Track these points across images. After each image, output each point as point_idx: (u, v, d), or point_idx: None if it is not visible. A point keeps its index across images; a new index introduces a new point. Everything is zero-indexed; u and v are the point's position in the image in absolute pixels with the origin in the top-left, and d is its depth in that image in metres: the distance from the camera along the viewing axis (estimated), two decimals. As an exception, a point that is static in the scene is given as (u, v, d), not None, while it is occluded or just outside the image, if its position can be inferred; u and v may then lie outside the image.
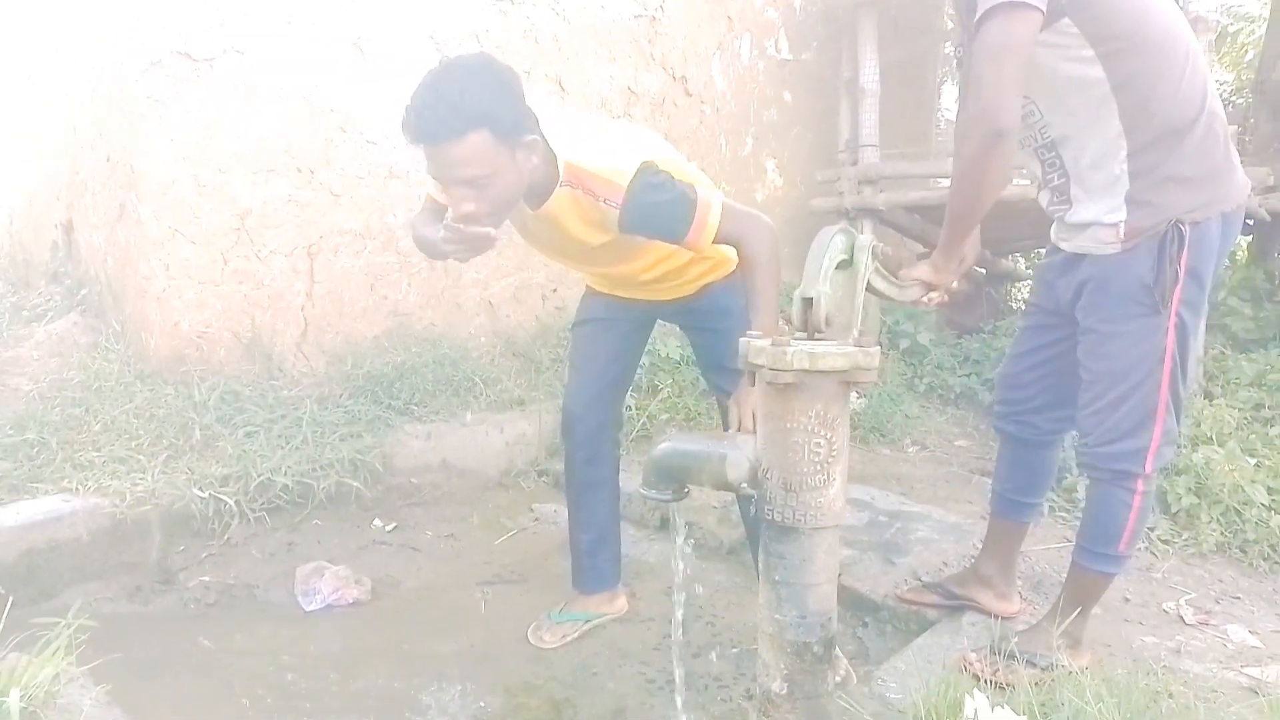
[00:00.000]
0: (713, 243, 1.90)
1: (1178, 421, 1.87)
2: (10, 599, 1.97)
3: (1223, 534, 2.77)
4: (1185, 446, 2.98)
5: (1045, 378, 2.05)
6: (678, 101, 4.57)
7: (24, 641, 1.65)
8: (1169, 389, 1.80)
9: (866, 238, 1.59)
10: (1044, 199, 1.95)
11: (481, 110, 1.68)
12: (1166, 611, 2.37)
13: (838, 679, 1.59)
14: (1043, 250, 5.69)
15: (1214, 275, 1.81)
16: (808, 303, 1.49)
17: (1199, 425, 3.13)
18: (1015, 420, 2.13)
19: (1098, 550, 1.92)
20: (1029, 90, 1.81)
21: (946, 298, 1.91)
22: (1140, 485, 1.85)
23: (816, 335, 1.51)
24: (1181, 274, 1.73)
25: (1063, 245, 1.93)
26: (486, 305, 4.01)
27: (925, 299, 1.87)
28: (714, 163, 4.80)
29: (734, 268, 2.12)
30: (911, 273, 1.84)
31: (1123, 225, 1.76)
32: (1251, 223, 4.14)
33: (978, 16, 1.62)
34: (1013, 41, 1.59)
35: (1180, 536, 2.78)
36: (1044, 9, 1.60)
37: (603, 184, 1.84)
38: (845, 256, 1.56)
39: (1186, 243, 1.71)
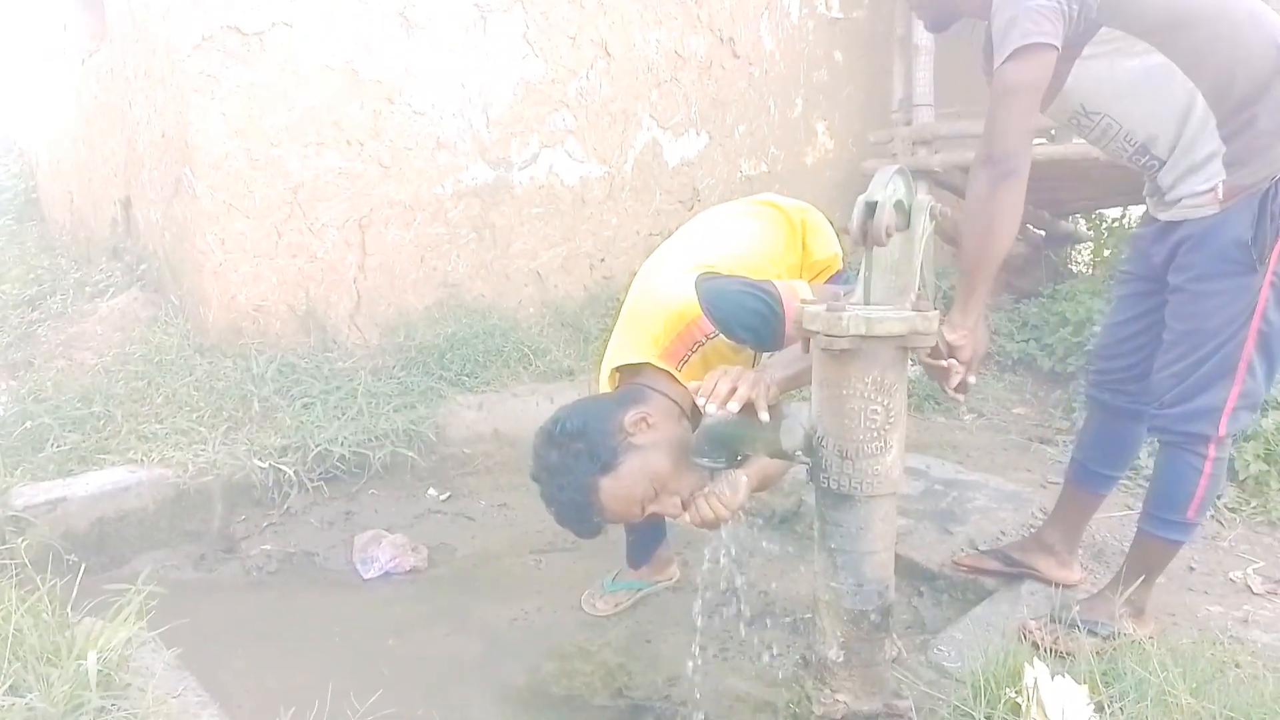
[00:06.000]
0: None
1: (1266, 386, 1.79)
2: (83, 566, 2.05)
3: (1293, 502, 2.68)
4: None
5: (1144, 346, 1.96)
6: (725, 64, 4.49)
7: (97, 607, 1.71)
8: (1256, 348, 1.72)
9: (924, 197, 1.55)
10: (1146, 190, 1.90)
11: (581, 484, 1.66)
12: (1233, 580, 2.31)
13: (892, 655, 1.58)
14: (1103, 211, 5.51)
15: None
16: (870, 209, 1.43)
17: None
18: (1111, 389, 2.07)
19: (1165, 517, 1.86)
20: (1095, 106, 1.78)
21: (972, 379, 1.70)
22: (1212, 450, 1.79)
23: (875, 246, 1.46)
24: None
25: (1160, 216, 1.85)
26: (535, 275, 4.01)
27: (950, 376, 1.66)
28: (762, 126, 4.72)
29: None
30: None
31: (1221, 186, 1.69)
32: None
33: (997, 64, 1.66)
34: (1027, 83, 1.64)
35: (1248, 504, 2.69)
36: (1058, 43, 1.63)
37: (689, 330, 1.77)
38: (901, 198, 1.51)
39: None
